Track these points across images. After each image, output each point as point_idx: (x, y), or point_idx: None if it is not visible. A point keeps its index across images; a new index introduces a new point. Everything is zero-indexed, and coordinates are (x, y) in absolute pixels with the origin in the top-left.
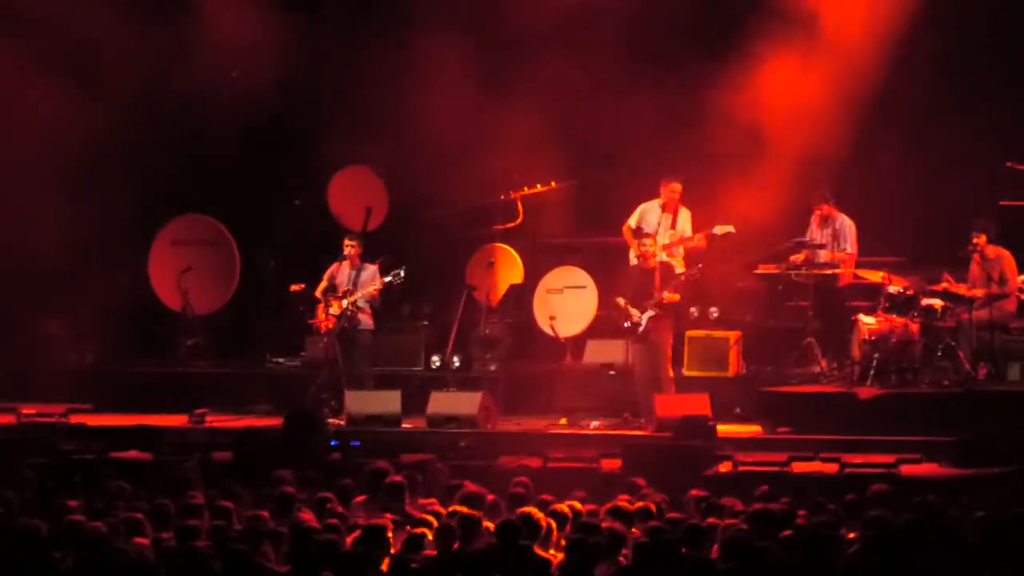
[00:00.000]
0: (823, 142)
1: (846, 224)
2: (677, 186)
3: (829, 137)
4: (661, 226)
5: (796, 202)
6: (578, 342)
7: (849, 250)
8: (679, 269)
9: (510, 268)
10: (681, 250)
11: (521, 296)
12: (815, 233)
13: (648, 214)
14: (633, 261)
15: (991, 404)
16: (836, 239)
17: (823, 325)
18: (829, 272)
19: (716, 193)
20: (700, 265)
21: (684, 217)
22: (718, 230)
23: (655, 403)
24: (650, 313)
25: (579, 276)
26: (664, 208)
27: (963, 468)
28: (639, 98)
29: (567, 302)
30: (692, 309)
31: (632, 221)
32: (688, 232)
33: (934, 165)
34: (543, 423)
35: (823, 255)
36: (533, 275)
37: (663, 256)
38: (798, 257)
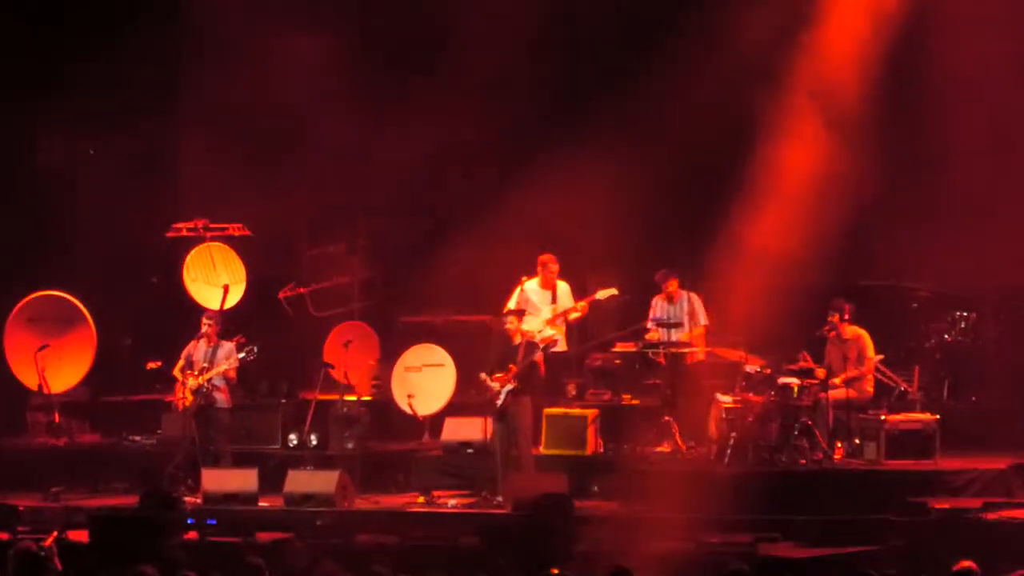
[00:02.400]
0: (684, 213)
1: (695, 300)
2: (554, 266)
3: (689, 209)
4: (541, 303)
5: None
6: (436, 420)
7: (703, 322)
8: (562, 344)
9: (368, 346)
10: (562, 323)
11: (379, 375)
12: (664, 312)
13: (529, 293)
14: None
15: (848, 483)
16: (692, 317)
17: (681, 403)
18: (686, 350)
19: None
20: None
21: (564, 291)
22: (601, 295)
23: (512, 482)
24: (509, 389)
25: (437, 354)
26: (543, 285)
27: (821, 547)
28: (504, 172)
29: (425, 380)
30: (570, 387)
31: (512, 304)
32: (569, 304)
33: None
34: (401, 501)
35: (679, 333)
36: (391, 353)
37: (547, 331)
38: (654, 335)
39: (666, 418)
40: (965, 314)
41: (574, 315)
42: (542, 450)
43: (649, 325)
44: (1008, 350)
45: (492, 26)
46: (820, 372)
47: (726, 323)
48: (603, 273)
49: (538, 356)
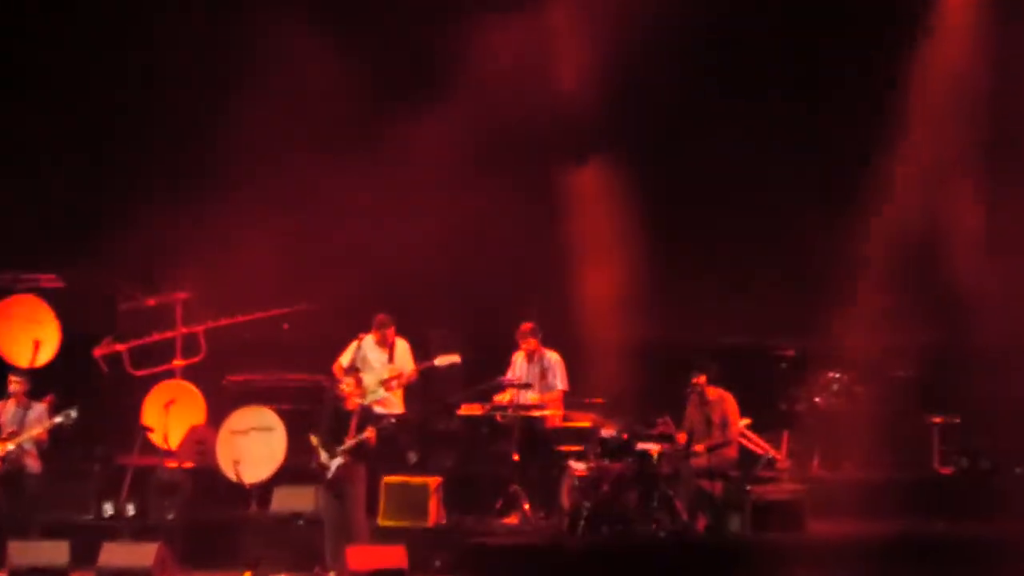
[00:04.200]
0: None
1: (553, 360)
2: (390, 329)
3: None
4: (378, 362)
5: (503, 338)
6: (265, 488)
7: (560, 387)
8: (397, 406)
9: (191, 407)
10: (396, 384)
11: (203, 438)
12: (521, 370)
13: (365, 350)
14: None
15: (710, 557)
16: (544, 377)
17: (530, 471)
18: (537, 414)
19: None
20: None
21: (402, 350)
22: (441, 361)
23: (347, 555)
24: (339, 460)
25: (267, 417)
26: (379, 343)
27: None
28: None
29: (253, 445)
30: (411, 453)
31: (344, 359)
32: (409, 365)
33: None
34: None
35: (530, 395)
36: (217, 415)
37: (380, 393)
38: (503, 397)
39: (514, 487)
40: (837, 375)
41: (406, 379)
42: (380, 521)
43: (504, 382)
44: (883, 414)
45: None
46: (681, 437)
47: (578, 383)
48: (447, 330)
49: (368, 434)
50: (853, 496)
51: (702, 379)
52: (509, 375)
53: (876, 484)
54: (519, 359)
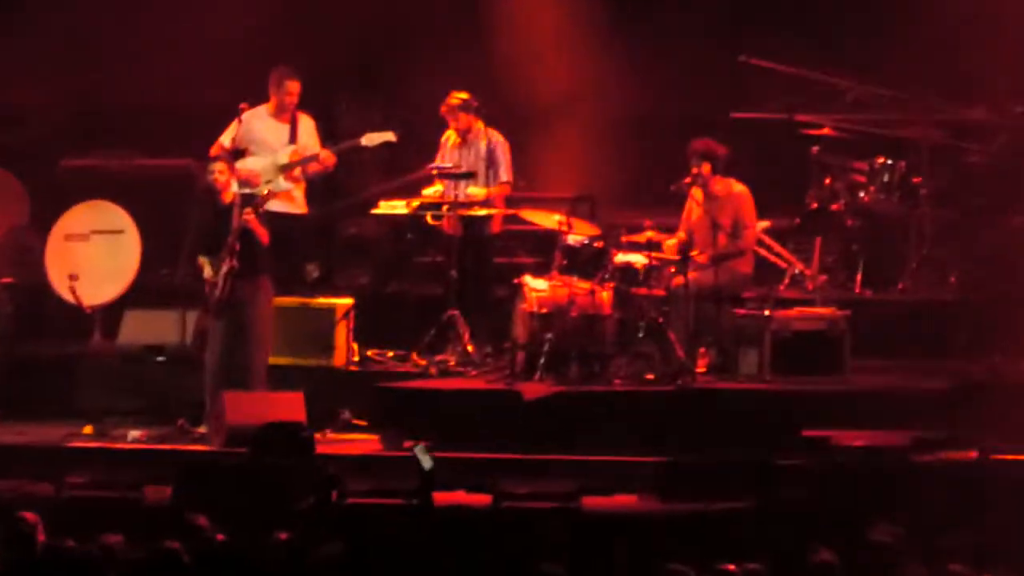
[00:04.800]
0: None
1: (499, 142)
2: (294, 85)
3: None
4: (275, 141)
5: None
6: (112, 313)
7: (504, 179)
8: (300, 204)
9: (8, 202)
10: (299, 172)
11: (26, 244)
12: (453, 156)
13: (254, 126)
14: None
15: (713, 410)
16: (491, 165)
17: (473, 291)
18: (482, 213)
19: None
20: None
21: (307, 128)
22: (370, 140)
23: (225, 404)
24: (227, 267)
25: (115, 216)
26: (277, 115)
27: (674, 502)
28: None
29: (96, 254)
30: (310, 267)
31: (225, 139)
32: (314, 147)
33: (632, 60)
34: (58, 433)
35: (471, 189)
36: (46, 213)
37: (280, 184)
38: (435, 192)
39: (451, 312)
40: (889, 162)
41: (317, 166)
42: (269, 359)
43: (436, 170)
44: (949, 217)
45: None
46: (676, 245)
47: (540, 175)
48: (367, 107)
49: (248, 216)
50: (909, 328)
51: (706, 168)
52: (437, 162)
53: (944, 309)
54: (448, 142)
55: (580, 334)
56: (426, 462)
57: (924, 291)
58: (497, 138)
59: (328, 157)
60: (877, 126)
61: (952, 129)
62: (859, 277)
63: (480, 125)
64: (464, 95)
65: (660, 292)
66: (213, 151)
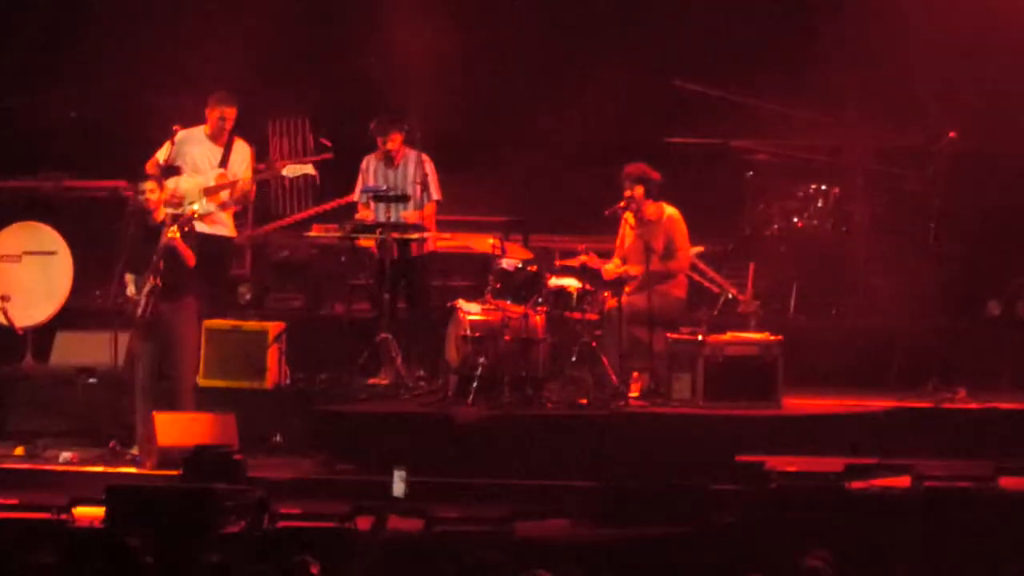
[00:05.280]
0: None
1: (427, 163)
2: (229, 111)
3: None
4: (206, 163)
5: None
6: (44, 334)
7: (435, 197)
8: (227, 229)
9: None
10: (227, 196)
11: None
12: (379, 180)
13: (187, 147)
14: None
15: (647, 435)
16: (423, 186)
17: (406, 314)
18: (416, 236)
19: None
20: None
21: (240, 154)
22: (290, 171)
23: (156, 426)
24: (150, 285)
25: (47, 238)
26: (213, 139)
27: (607, 526)
28: None
29: (28, 275)
30: (242, 290)
31: (161, 155)
32: (244, 175)
33: (566, 84)
34: None
35: (404, 210)
36: None
37: (204, 206)
38: (367, 214)
39: (384, 335)
40: (823, 188)
41: (239, 190)
42: (201, 380)
43: (359, 199)
44: (883, 240)
45: None
46: (611, 269)
47: (474, 199)
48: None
49: (171, 235)
50: (843, 352)
51: (639, 191)
52: (360, 187)
53: (878, 335)
54: (370, 167)
55: (513, 358)
56: (399, 489)
57: (858, 317)
58: (424, 158)
59: (246, 185)
60: (812, 152)
61: (887, 156)
62: (793, 302)
63: (405, 148)
64: (395, 118)
65: (593, 316)
66: (148, 167)
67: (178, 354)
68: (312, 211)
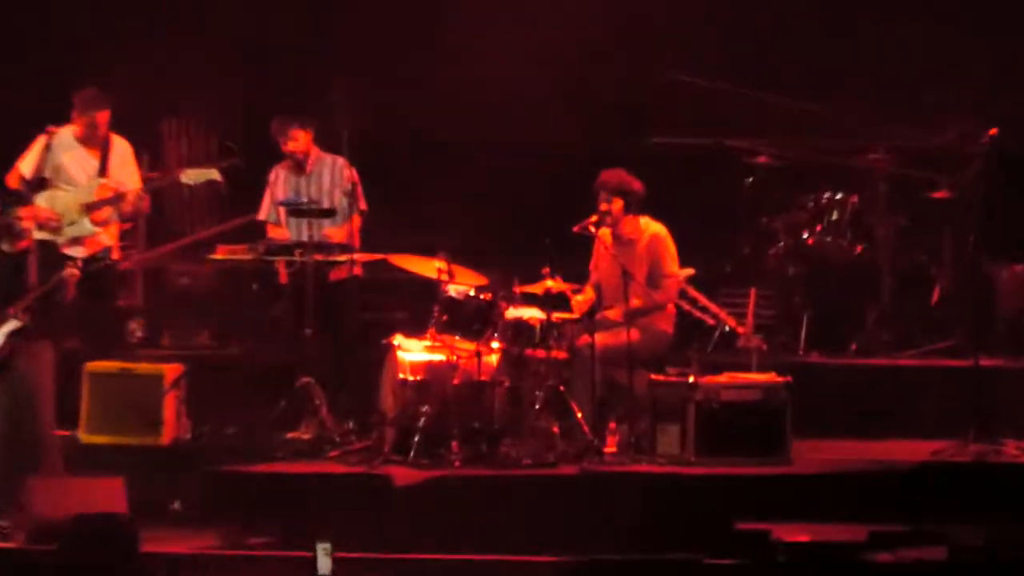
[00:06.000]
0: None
1: (344, 166)
2: (102, 115)
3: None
4: (82, 172)
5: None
6: None
7: (359, 208)
8: (111, 247)
9: None
10: (113, 211)
11: None
12: (289, 192)
13: (58, 154)
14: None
15: (627, 498)
16: (352, 196)
17: (332, 354)
18: (343, 259)
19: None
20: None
21: (121, 156)
22: (189, 176)
23: (30, 492)
24: (13, 325)
25: None
26: (84, 140)
27: None
28: None
29: None
30: (133, 325)
31: (26, 167)
32: (130, 181)
33: (527, 76)
34: None
35: (326, 225)
36: None
37: (85, 227)
38: (280, 233)
39: (305, 379)
40: (838, 197)
41: (129, 206)
42: (83, 436)
43: (266, 217)
44: (911, 259)
45: None
46: (581, 298)
47: (417, 214)
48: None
49: (68, 274)
50: (865, 396)
51: (616, 205)
52: (270, 200)
53: (905, 375)
54: (280, 176)
55: (463, 406)
56: (324, 566)
57: (882, 353)
58: (343, 163)
59: (138, 197)
60: (824, 154)
61: (915, 157)
62: (803, 336)
63: (317, 149)
64: (300, 116)
65: (561, 354)
66: (10, 181)
67: (38, 406)
68: (218, 228)
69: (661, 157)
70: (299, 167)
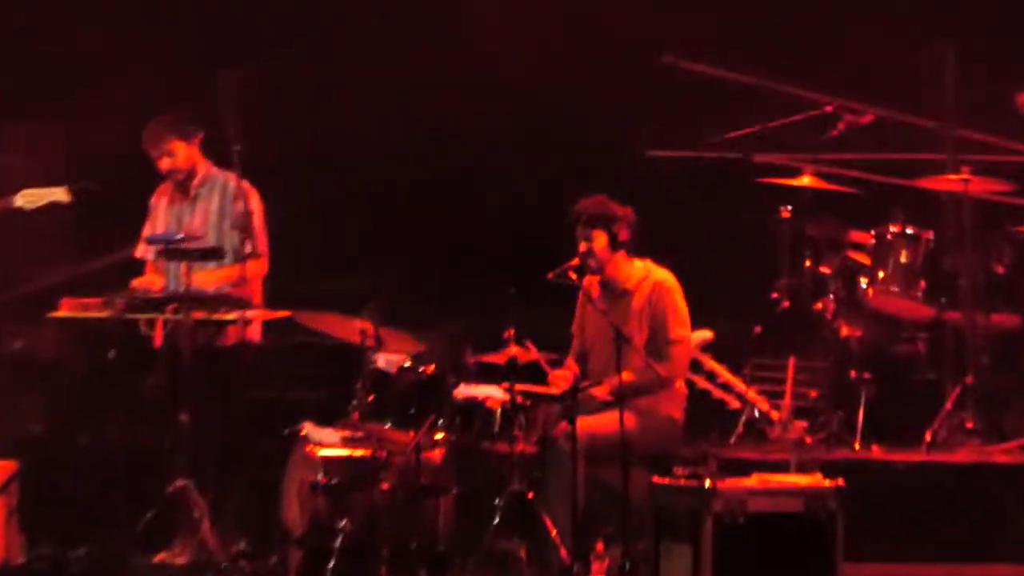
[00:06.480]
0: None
1: (247, 196)
2: None
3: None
4: None
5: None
6: None
7: (257, 251)
8: None
9: None
10: None
11: None
12: (176, 218)
13: None
14: None
15: None
16: (247, 232)
17: (216, 446)
18: (232, 317)
19: None
20: None
21: None
22: (28, 199)
23: None
24: None
25: None
26: None
27: None
28: None
29: None
30: None
31: None
32: None
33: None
34: None
35: (215, 270)
36: None
37: None
38: (154, 280)
39: (180, 483)
40: (909, 232)
41: None
42: None
43: (147, 255)
44: (1008, 324)
45: None
46: (560, 372)
47: (321, 253)
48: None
49: None
50: (942, 505)
51: (600, 242)
52: (147, 234)
53: (993, 477)
54: (164, 202)
55: (396, 520)
56: None
57: (966, 447)
58: (241, 185)
59: None
60: (888, 175)
61: (1011, 176)
62: (860, 423)
63: (208, 165)
64: (180, 116)
65: (530, 449)
66: None
67: None
68: (66, 275)
69: (663, 178)
70: (183, 190)
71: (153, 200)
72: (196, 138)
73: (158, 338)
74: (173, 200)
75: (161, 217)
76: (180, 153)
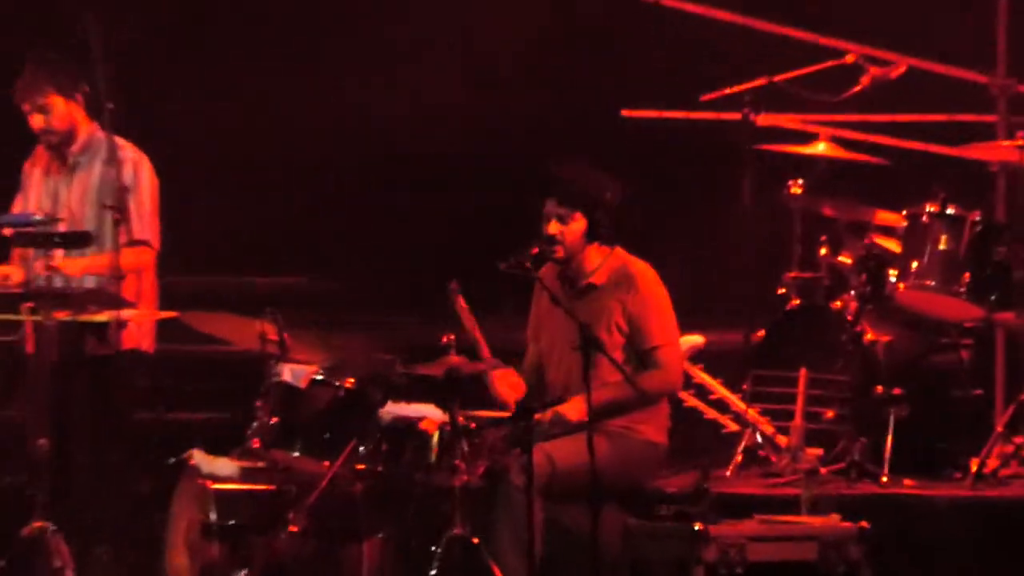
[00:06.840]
0: None
1: (135, 165)
2: None
3: None
4: None
5: None
6: None
7: (143, 236)
8: None
9: None
10: None
11: None
12: (49, 192)
13: None
14: None
15: None
16: (124, 212)
17: (86, 478)
18: (103, 319)
19: None
20: None
21: None
22: None
23: None
24: None
25: None
26: None
27: None
28: None
29: None
30: None
31: None
32: None
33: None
34: None
35: (82, 258)
36: None
37: None
38: (12, 272)
39: (38, 524)
40: (949, 213)
41: None
42: None
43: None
44: None
45: None
46: (505, 373)
47: (215, 238)
48: None
49: None
50: (988, 548)
51: (575, 227)
52: (20, 208)
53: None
54: (37, 173)
55: (308, 570)
56: None
57: (1020, 480)
58: (129, 155)
59: None
60: (925, 141)
61: None
62: (888, 451)
63: (93, 128)
64: (47, 67)
65: (475, 482)
66: None
67: None
68: None
69: (640, 144)
70: (59, 156)
71: (26, 167)
72: (78, 94)
73: (29, 343)
74: (49, 171)
75: (34, 190)
76: (57, 109)
